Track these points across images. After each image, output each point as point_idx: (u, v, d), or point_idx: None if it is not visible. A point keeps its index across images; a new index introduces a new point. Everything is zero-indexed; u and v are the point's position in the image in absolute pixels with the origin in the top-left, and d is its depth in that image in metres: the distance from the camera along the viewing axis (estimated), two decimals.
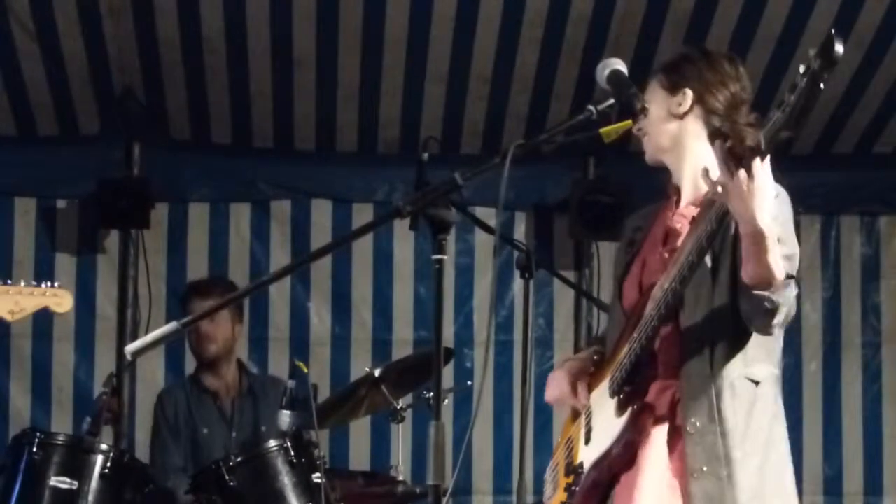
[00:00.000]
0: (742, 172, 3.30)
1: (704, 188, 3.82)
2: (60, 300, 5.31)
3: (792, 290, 3.51)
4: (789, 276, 3.49)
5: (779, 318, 3.53)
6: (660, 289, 3.66)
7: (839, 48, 3.14)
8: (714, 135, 3.77)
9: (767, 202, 3.36)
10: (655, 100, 3.87)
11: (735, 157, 3.30)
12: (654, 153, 3.92)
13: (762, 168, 3.31)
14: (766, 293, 3.47)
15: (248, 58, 6.94)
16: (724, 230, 3.56)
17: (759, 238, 3.39)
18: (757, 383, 3.70)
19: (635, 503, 3.64)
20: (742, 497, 3.61)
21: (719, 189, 3.38)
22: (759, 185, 3.31)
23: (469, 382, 6.92)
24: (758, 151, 3.28)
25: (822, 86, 3.15)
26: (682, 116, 3.86)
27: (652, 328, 3.64)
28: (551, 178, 7.52)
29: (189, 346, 6.80)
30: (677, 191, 3.93)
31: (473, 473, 7.43)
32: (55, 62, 6.89)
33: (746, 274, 3.48)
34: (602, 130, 3.51)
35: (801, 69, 3.17)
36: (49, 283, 5.32)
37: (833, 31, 3.16)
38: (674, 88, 3.88)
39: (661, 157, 3.92)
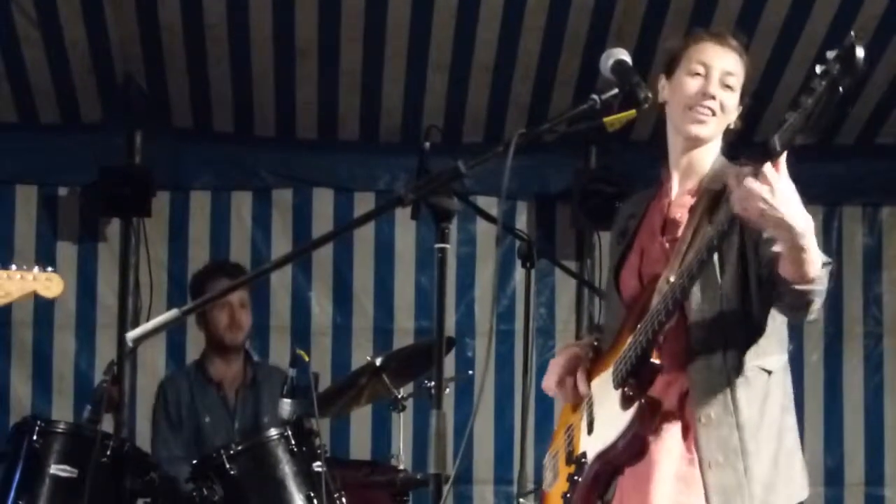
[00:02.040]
0: (756, 182, 3.29)
1: (699, 178, 3.83)
2: (50, 284, 5.20)
3: (827, 276, 3.53)
4: (824, 264, 3.50)
5: (817, 304, 3.55)
6: (665, 282, 3.66)
7: (861, 54, 3.12)
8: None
9: (794, 202, 3.35)
10: (736, 95, 3.84)
11: (752, 165, 3.29)
12: (710, 136, 3.85)
13: (780, 171, 3.30)
14: (809, 287, 3.48)
15: (250, 46, 6.93)
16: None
17: (796, 240, 3.39)
18: (770, 373, 3.71)
19: (651, 496, 3.64)
20: (757, 489, 3.63)
21: (738, 208, 3.37)
22: (779, 189, 3.30)
23: (470, 372, 6.93)
24: (773, 155, 3.26)
25: (841, 91, 3.12)
26: (728, 125, 3.86)
27: (659, 322, 3.63)
28: (553, 168, 7.52)
29: (209, 331, 6.73)
30: (671, 177, 3.93)
31: (474, 463, 7.43)
32: (57, 49, 6.88)
33: (786, 272, 3.47)
34: (605, 120, 3.50)
35: (819, 70, 3.14)
36: (39, 268, 5.23)
37: (854, 36, 3.12)
38: (741, 99, 3.88)
39: (706, 141, 3.86)
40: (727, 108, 3.81)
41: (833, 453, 7.55)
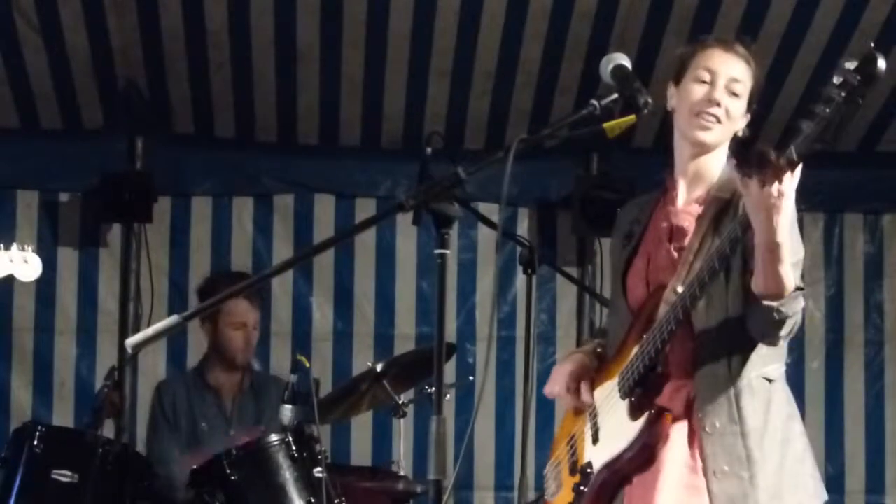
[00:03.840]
0: (775, 186, 3.28)
1: (707, 187, 3.82)
2: (28, 268, 5.09)
3: (800, 303, 3.52)
4: (798, 288, 3.49)
5: (785, 330, 3.54)
6: (673, 292, 3.65)
7: (882, 64, 3.11)
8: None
9: (788, 215, 3.35)
10: (743, 103, 3.84)
11: (767, 168, 3.27)
12: (715, 143, 3.84)
13: (792, 181, 3.30)
14: (774, 304, 3.47)
15: (252, 51, 6.94)
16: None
17: (774, 249, 3.39)
18: (771, 381, 3.71)
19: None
20: (762, 497, 3.63)
21: (747, 199, 3.35)
22: (786, 199, 3.30)
23: (471, 378, 6.92)
24: (792, 165, 3.25)
25: (860, 102, 3.11)
26: (736, 132, 3.86)
27: (669, 332, 3.63)
28: (554, 174, 7.51)
29: (220, 348, 6.72)
30: (676, 184, 3.92)
31: (475, 469, 7.42)
32: (59, 55, 6.88)
33: (757, 284, 3.48)
34: (606, 125, 3.50)
35: (837, 81, 3.12)
36: (18, 247, 5.13)
37: (873, 46, 3.11)
38: (749, 107, 3.87)
39: (711, 149, 3.85)
40: (733, 115, 3.81)
41: (834, 461, 7.53)
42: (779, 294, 3.45)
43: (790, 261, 3.45)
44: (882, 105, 7.20)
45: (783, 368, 3.79)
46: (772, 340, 3.61)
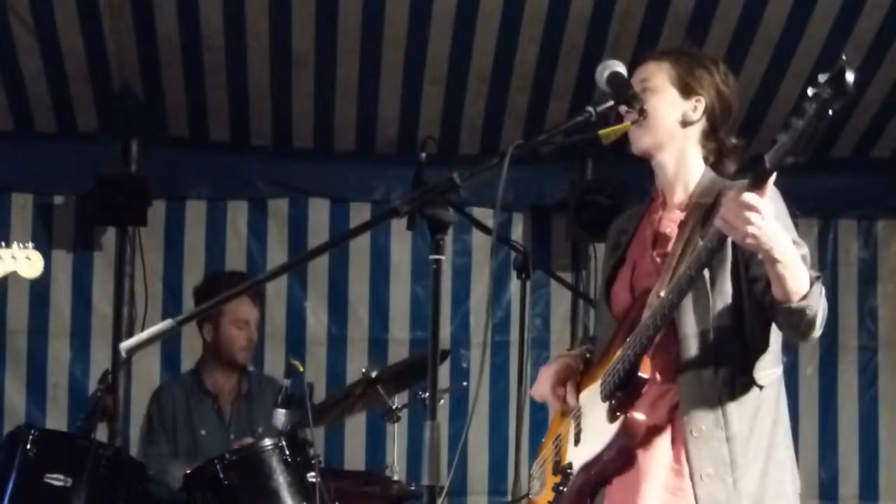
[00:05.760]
0: (744, 202, 3.29)
1: (688, 192, 3.84)
2: (31, 264, 5.08)
3: (821, 290, 3.52)
4: (814, 279, 3.49)
5: (819, 321, 3.54)
6: (656, 297, 3.66)
7: (850, 78, 3.13)
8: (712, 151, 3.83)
9: (771, 222, 3.36)
10: (663, 93, 3.83)
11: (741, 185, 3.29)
12: (649, 147, 3.85)
13: (766, 192, 3.32)
14: (802, 304, 3.47)
15: (247, 56, 6.94)
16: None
17: (778, 260, 3.40)
18: (761, 388, 3.71)
19: None
20: (745, 503, 3.62)
21: (724, 227, 3.37)
22: (765, 211, 3.32)
23: (465, 383, 6.93)
24: (764, 175, 3.27)
25: (831, 113, 3.14)
26: (690, 124, 3.85)
27: (648, 337, 3.63)
28: (549, 179, 7.52)
29: (219, 347, 6.71)
30: (660, 193, 3.93)
31: (469, 474, 7.43)
32: (54, 58, 6.88)
33: (777, 293, 3.47)
34: (601, 132, 3.51)
35: (810, 92, 3.15)
36: (19, 245, 5.13)
37: (844, 59, 3.14)
38: (687, 92, 3.86)
39: (654, 153, 3.87)
40: (650, 112, 3.79)
41: (828, 467, 7.54)
42: (800, 294, 3.46)
43: (796, 259, 3.45)
44: (876, 111, 7.21)
45: (778, 372, 3.78)
46: (810, 336, 3.59)
